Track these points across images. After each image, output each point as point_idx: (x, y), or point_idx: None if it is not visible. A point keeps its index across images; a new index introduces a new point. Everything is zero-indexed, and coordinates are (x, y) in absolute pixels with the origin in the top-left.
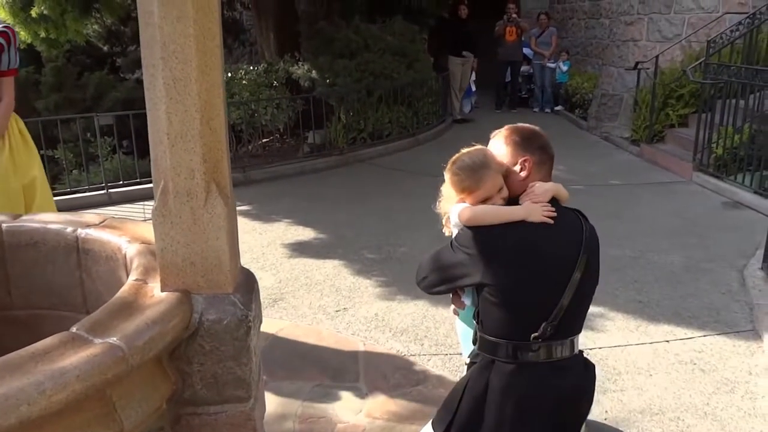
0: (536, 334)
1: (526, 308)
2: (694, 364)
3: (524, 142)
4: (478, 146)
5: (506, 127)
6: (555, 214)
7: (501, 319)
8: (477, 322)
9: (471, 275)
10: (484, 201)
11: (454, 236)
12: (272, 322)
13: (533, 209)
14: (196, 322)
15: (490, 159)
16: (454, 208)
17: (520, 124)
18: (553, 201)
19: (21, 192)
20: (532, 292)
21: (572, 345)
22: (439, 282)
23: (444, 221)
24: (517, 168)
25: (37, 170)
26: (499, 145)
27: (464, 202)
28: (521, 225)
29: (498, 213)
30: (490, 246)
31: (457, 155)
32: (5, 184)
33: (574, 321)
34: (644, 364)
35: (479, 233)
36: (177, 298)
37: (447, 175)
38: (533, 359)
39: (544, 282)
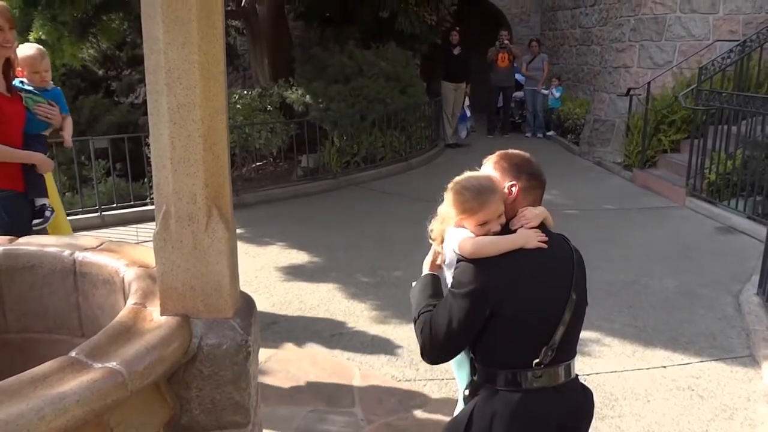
0: (538, 359)
1: (528, 335)
2: (692, 390)
3: (512, 168)
4: (485, 172)
5: (497, 152)
6: (547, 239)
7: (503, 347)
8: (474, 353)
9: (484, 310)
10: (483, 225)
11: (450, 285)
12: (266, 346)
13: (529, 236)
14: (196, 347)
15: (497, 184)
16: (453, 233)
17: (510, 150)
18: (541, 226)
19: None
20: (533, 318)
21: (570, 368)
22: (461, 336)
23: (432, 237)
24: (506, 193)
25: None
26: (489, 171)
27: (462, 224)
28: (519, 253)
29: (498, 244)
30: (495, 277)
31: (462, 176)
32: None
33: (571, 344)
34: (641, 390)
35: (481, 266)
36: (177, 323)
37: (449, 194)
38: (537, 385)
39: (543, 307)
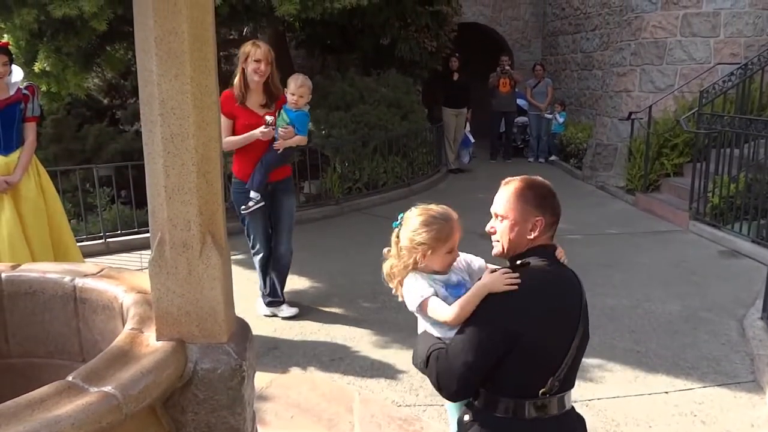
0: (544, 389)
1: (539, 366)
2: (695, 415)
3: (537, 200)
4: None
5: (522, 178)
6: (519, 281)
7: (511, 376)
8: None
9: (501, 342)
10: (450, 252)
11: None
12: (267, 371)
13: (494, 280)
14: (191, 371)
15: (453, 213)
16: (413, 289)
17: (535, 179)
18: (552, 258)
19: (45, 212)
20: (546, 350)
21: (569, 398)
22: (478, 368)
23: (395, 285)
24: (528, 227)
25: (54, 194)
26: (513, 198)
27: (418, 265)
28: (535, 287)
29: (471, 302)
30: (513, 309)
31: (417, 209)
32: (36, 205)
33: (573, 375)
34: (643, 415)
35: (499, 299)
36: (172, 348)
37: (417, 228)
38: (541, 415)
39: (555, 340)
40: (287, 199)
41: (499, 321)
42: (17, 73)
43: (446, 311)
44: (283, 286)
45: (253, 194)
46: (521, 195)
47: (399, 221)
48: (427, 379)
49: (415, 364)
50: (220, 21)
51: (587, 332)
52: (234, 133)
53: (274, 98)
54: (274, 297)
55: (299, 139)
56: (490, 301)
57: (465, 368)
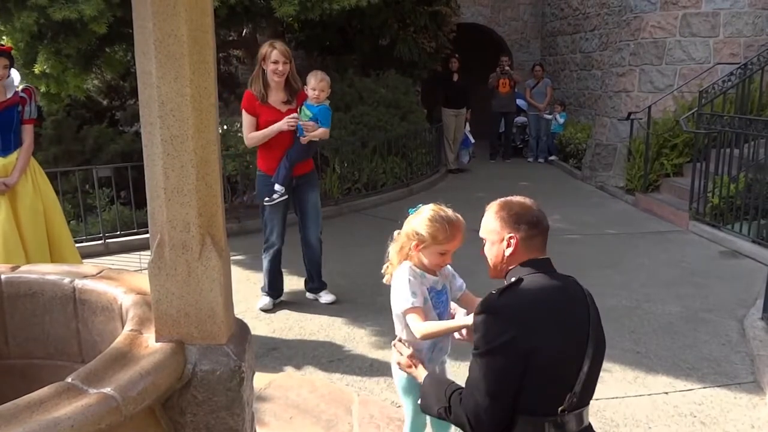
0: (563, 406)
1: (554, 382)
2: (695, 416)
3: (511, 218)
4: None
5: (498, 201)
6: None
7: (528, 395)
8: None
9: (518, 360)
10: (443, 254)
11: (475, 343)
12: (265, 372)
13: (467, 320)
14: (190, 373)
15: (462, 222)
16: (400, 297)
17: (511, 198)
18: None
19: (43, 213)
20: (559, 363)
21: (587, 413)
22: (506, 391)
23: (386, 269)
24: (504, 244)
25: (52, 195)
26: (490, 219)
27: (410, 255)
28: (540, 301)
29: (440, 330)
30: (522, 326)
31: (427, 207)
32: (33, 206)
33: (591, 388)
34: (643, 416)
35: (505, 318)
36: (171, 349)
37: (420, 220)
38: None
39: (566, 351)
40: (311, 192)
41: (507, 341)
42: (15, 77)
43: (419, 327)
44: (320, 275)
45: (278, 187)
46: (496, 215)
47: (415, 209)
48: None
49: (428, 412)
50: (219, 22)
51: (602, 342)
52: (257, 129)
53: (295, 94)
54: (272, 291)
55: (323, 132)
56: (492, 324)
57: (492, 399)
